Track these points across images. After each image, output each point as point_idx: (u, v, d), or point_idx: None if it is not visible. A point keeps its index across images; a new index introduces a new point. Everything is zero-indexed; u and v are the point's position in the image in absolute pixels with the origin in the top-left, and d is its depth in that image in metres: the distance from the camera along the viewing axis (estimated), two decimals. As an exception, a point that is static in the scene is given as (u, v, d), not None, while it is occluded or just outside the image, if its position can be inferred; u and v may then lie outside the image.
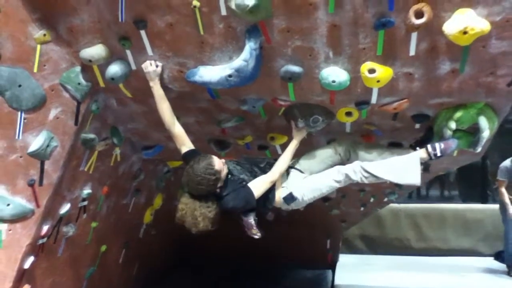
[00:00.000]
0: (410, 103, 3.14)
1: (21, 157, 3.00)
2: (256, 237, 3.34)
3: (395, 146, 3.73)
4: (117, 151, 3.95)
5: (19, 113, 2.93)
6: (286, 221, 7.04)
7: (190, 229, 2.96)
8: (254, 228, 3.32)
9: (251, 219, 3.32)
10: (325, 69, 2.92)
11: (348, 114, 3.31)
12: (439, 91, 3.02)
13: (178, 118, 3.58)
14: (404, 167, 3.18)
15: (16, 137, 2.95)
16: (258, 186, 3.15)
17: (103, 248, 4.39)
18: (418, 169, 3.17)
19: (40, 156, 3.06)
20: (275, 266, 7.37)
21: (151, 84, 3.08)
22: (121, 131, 3.88)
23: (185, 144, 3.19)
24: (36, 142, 3.03)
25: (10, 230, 3.03)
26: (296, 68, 2.93)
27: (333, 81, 2.91)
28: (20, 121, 2.94)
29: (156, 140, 4.17)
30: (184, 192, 3.06)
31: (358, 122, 3.44)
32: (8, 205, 2.97)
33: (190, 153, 3.14)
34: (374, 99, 3.08)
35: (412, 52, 2.78)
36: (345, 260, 7.95)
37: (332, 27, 2.73)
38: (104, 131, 3.67)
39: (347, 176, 3.26)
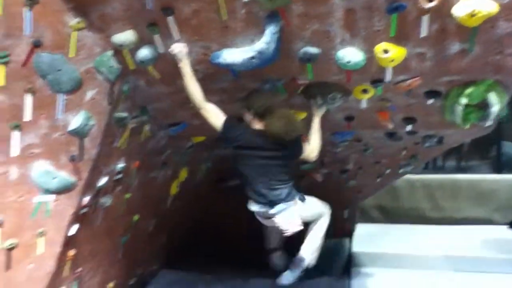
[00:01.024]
0: (423, 81, 3.33)
1: (63, 135, 3.29)
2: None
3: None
4: (146, 128, 4.22)
5: (59, 95, 3.20)
6: (304, 193, 7.29)
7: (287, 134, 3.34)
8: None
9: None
10: (341, 51, 3.11)
11: (364, 91, 3.51)
12: (449, 70, 3.20)
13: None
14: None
15: (58, 117, 3.23)
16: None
17: (135, 218, 4.72)
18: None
19: (79, 134, 3.35)
20: (293, 236, 7.66)
21: (180, 64, 3.28)
22: (149, 110, 4.13)
23: (220, 114, 3.41)
24: (75, 121, 3.31)
25: (56, 201, 3.35)
26: (314, 50, 3.13)
27: (348, 62, 3.11)
28: (61, 102, 3.22)
29: (180, 118, 4.42)
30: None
31: (374, 98, 3.64)
32: (54, 178, 3.28)
33: (228, 119, 3.38)
34: (388, 78, 3.27)
35: (423, 34, 2.95)
36: (361, 230, 8.22)
37: (348, 11, 2.91)
38: (134, 110, 3.93)
39: None
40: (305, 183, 7.15)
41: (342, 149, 5.41)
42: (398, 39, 3.02)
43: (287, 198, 3.53)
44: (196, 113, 3.52)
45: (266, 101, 3.45)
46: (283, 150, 3.44)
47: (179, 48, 3.23)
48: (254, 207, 3.60)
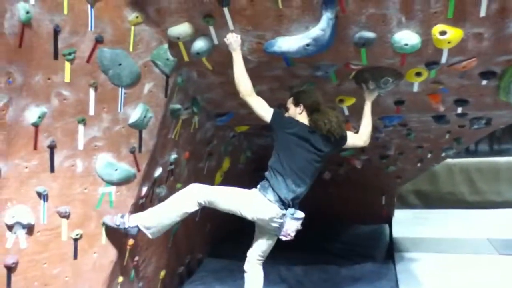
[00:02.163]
0: (479, 61, 3.30)
1: (123, 128, 3.39)
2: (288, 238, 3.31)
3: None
4: (196, 119, 4.31)
5: (120, 89, 3.30)
6: (343, 179, 7.34)
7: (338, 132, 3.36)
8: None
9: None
10: (397, 33, 3.11)
11: (418, 74, 3.50)
12: (507, 49, 3.16)
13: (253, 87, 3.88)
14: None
15: (119, 110, 3.33)
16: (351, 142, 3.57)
17: (185, 207, 4.83)
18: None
19: (139, 126, 3.44)
20: (332, 222, 7.71)
21: (234, 54, 3.31)
22: (199, 101, 4.21)
23: (266, 104, 3.40)
24: (134, 114, 3.41)
25: (118, 192, 3.46)
26: (369, 34, 3.13)
27: (406, 44, 3.11)
28: (121, 96, 3.31)
29: (229, 107, 4.49)
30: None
31: (426, 81, 3.63)
32: (116, 170, 3.38)
33: (277, 111, 3.39)
34: (444, 59, 3.26)
35: (482, 13, 2.92)
36: (400, 215, 8.21)
37: (405, -6, 2.91)
38: (186, 101, 4.01)
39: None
40: (344, 169, 7.21)
41: (384, 134, 5.41)
42: (456, 20, 3.00)
43: (298, 202, 3.41)
44: (243, 103, 3.55)
45: (317, 98, 3.48)
46: (327, 147, 3.41)
47: (234, 38, 3.28)
48: (270, 196, 3.30)
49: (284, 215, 3.27)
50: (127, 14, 3.21)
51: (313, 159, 3.39)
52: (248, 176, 7.41)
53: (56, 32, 2.90)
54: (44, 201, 3.06)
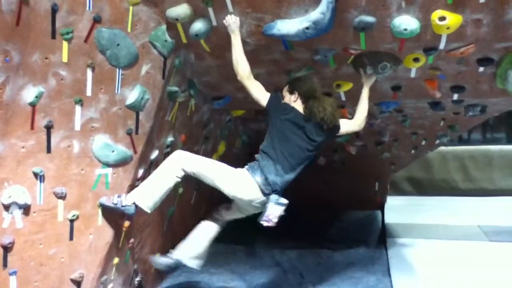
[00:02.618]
0: (477, 48, 3.31)
1: (120, 109, 3.37)
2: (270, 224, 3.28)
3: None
4: (193, 102, 4.29)
5: (117, 70, 3.27)
6: (337, 165, 7.38)
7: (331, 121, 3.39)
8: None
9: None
10: (397, 18, 3.11)
11: (416, 60, 3.51)
12: (506, 36, 3.17)
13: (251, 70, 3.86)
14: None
15: (116, 92, 3.31)
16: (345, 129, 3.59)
17: (180, 190, 4.84)
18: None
19: (136, 108, 3.43)
20: (326, 208, 7.78)
21: (232, 36, 3.29)
22: (196, 84, 4.19)
23: (263, 88, 3.40)
24: (132, 95, 3.39)
25: (114, 174, 3.45)
26: (369, 19, 3.13)
27: (405, 29, 3.10)
28: (119, 77, 3.29)
29: (226, 91, 4.47)
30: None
31: (424, 67, 3.63)
32: (113, 151, 3.37)
33: (274, 95, 3.39)
34: (442, 45, 3.27)
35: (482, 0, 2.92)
36: (393, 202, 8.29)
37: (405, -22, 2.90)
38: (183, 84, 3.99)
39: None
40: (339, 155, 7.24)
41: (380, 120, 5.43)
42: (456, 6, 3.00)
43: (283, 188, 3.38)
44: (240, 87, 3.54)
45: (312, 85, 3.48)
46: (320, 136, 3.42)
47: (233, 20, 3.25)
48: (259, 178, 3.27)
49: (266, 200, 3.26)
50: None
51: (305, 148, 3.40)
52: (243, 160, 7.43)
53: (54, 10, 2.86)
54: (40, 182, 3.05)
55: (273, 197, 3.25)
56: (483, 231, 6.84)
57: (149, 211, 3.42)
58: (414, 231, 6.93)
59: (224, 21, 3.28)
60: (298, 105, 3.43)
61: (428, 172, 8.86)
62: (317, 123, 3.37)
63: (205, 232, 3.83)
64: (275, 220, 3.26)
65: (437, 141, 6.37)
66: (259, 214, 3.34)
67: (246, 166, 3.42)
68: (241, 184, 3.32)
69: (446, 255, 5.88)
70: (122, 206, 3.34)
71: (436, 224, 7.16)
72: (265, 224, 3.26)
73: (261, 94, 3.38)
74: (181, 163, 3.36)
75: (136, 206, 3.38)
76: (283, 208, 3.27)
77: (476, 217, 7.32)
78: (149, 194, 3.38)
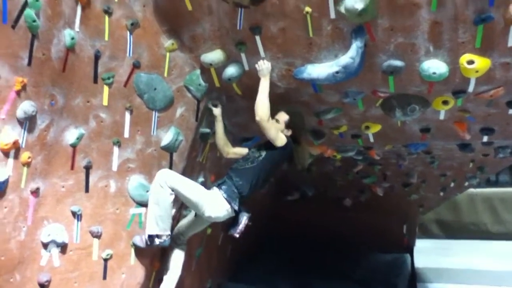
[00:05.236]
0: (506, 90, 3.34)
1: (155, 150, 3.49)
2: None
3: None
4: (223, 143, 4.38)
5: (154, 112, 3.41)
6: (364, 206, 7.32)
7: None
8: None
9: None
10: (425, 62, 3.18)
11: (445, 102, 3.55)
12: (535, 78, 3.20)
13: (279, 111, 3.98)
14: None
15: (152, 133, 3.43)
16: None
17: (209, 230, 4.86)
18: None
19: (170, 149, 3.54)
20: (352, 249, 7.68)
21: (263, 79, 3.40)
22: (226, 125, 4.30)
23: (279, 131, 3.54)
24: (167, 137, 3.51)
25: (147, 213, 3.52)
26: (398, 63, 3.21)
27: (434, 73, 3.17)
28: (155, 120, 3.42)
29: (254, 131, 4.55)
30: None
31: (453, 109, 3.67)
32: (147, 191, 3.45)
33: (291, 142, 3.60)
34: (471, 88, 3.31)
35: (510, 43, 2.98)
36: (421, 245, 8.10)
37: (434, 24, 2.99)
38: (213, 125, 4.10)
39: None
40: (365, 196, 7.19)
41: (408, 162, 5.42)
42: (484, 50, 3.06)
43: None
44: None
45: (304, 128, 3.76)
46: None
47: (265, 65, 3.38)
48: (235, 205, 3.48)
49: (239, 215, 3.53)
50: (164, 41, 3.36)
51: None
52: (271, 200, 7.45)
53: (97, 57, 3.04)
54: (78, 220, 3.13)
55: (245, 211, 3.56)
56: (516, 276, 6.61)
57: (170, 233, 3.45)
58: (444, 275, 6.75)
59: (256, 66, 3.40)
60: (282, 137, 3.56)
61: (457, 214, 8.68)
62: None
63: (178, 261, 3.87)
64: (244, 230, 3.59)
65: (466, 183, 6.29)
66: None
67: (215, 188, 3.51)
68: (217, 204, 3.43)
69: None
70: (157, 244, 3.39)
71: (468, 269, 6.96)
72: (237, 236, 3.60)
73: (277, 135, 3.52)
74: (164, 179, 3.36)
75: (170, 236, 3.45)
76: (249, 219, 3.61)
77: (509, 262, 7.08)
78: (159, 221, 3.39)
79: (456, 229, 8.67)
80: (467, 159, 5.37)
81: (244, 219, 3.56)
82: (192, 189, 3.41)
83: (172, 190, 3.35)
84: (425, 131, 4.11)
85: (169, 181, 3.34)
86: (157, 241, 3.37)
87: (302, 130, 3.75)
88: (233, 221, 3.58)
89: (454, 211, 8.67)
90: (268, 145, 3.59)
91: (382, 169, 6.09)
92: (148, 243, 3.38)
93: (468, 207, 8.64)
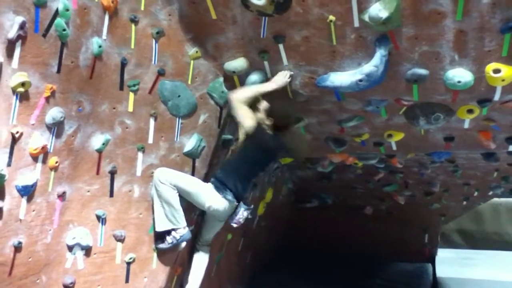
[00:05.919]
0: (533, 99, 3.29)
1: (178, 156, 3.53)
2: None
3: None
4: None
5: (177, 119, 3.46)
6: (385, 215, 7.26)
7: None
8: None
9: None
10: (450, 71, 3.16)
11: (469, 111, 3.51)
12: None
13: (301, 119, 3.99)
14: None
15: (175, 140, 3.48)
16: None
17: (229, 236, 4.89)
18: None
19: (193, 155, 3.58)
20: (373, 258, 7.60)
21: (273, 83, 3.42)
22: (248, 132, 4.32)
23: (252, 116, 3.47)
24: (189, 143, 3.55)
25: (170, 219, 3.56)
26: (422, 71, 3.19)
27: (459, 82, 3.14)
28: (178, 126, 3.47)
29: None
30: None
31: (477, 118, 3.62)
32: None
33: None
34: (497, 97, 3.27)
35: (538, 52, 2.94)
36: (443, 255, 7.98)
37: (459, 33, 2.97)
38: (235, 132, 4.13)
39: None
40: (386, 205, 7.13)
41: (430, 170, 5.37)
42: (510, 58, 3.02)
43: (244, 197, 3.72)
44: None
45: (289, 118, 3.63)
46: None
47: (285, 78, 3.42)
48: (228, 196, 3.50)
49: (237, 207, 3.58)
50: (188, 49, 3.41)
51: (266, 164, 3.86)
52: (289, 208, 7.45)
53: (123, 64, 3.10)
54: (102, 224, 3.19)
55: (243, 204, 3.61)
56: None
57: (186, 225, 3.46)
58: (466, 286, 6.64)
59: (281, 75, 3.42)
60: (267, 127, 3.49)
61: (480, 224, 8.53)
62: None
63: (200, 264, 3.99)
64: (243, 221, 3.71)
65: (490, 192, 6.18)
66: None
67: (212, 185, 3.54)
68: (212, 195, 3.48)
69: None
70: (179, 239, 3.43)
71: (490, 280, 6.82)
72: (235, 225, 3.73)
73: (244, 118, 3.43)
74: (164, 176, 3.39)
75: (188, 230, 3.50)
76: (250, 211, 3.69)
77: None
78: (170, 217, 3.42)
79: (479, 239, 8.51)
80: (491, 168, 5.28)
81: (241, 210, 3.61)
82: (190, 182, 3.49)
83: (174, 186, 3.40)
84: (449, 139, 4.07)
85: (169, 178, 3.39)
86: (176, 235, 3.41)
87: (286, 118, 3.59)
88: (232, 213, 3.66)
89: (477, 220, 8.51)
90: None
91: (403, 177, 6.03)
92: (170, 242, 3.40)
93: (492, 217, 8.48)
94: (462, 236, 8.66)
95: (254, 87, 3.46)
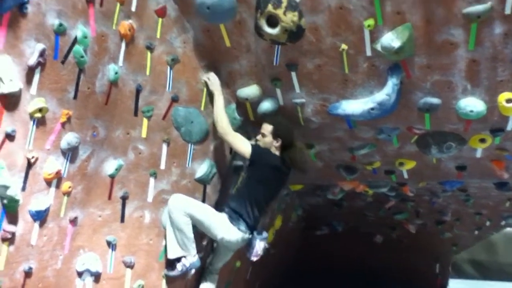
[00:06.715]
0: (546, 129, 3.27)
1: (189, 182, 3.54)
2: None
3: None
4: (255, 176, 4.40)
5: (190, 145, 3.47)
6: (395, 243, 7.16)
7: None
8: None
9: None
10: (463, 100, 3.16)
11: (482, 140, 3.50)
12: None
13: (313, 146, 3.99)
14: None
15: (187, 165, 3.49)
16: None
17: (238, 264, 4.83)
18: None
19: (204, 181, 3.58)
20: (383, 287, 7.47)
21: (216, 94, 3.41)
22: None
23: (244, 140, 3.47)
24: (201, 169, 3.56)
25: (180, 245, 3.54)
26: (434, 100, 3.20)
27: (471, 111, 3.15)
28: (190, 152, 3.49)
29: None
30: None
31: (490, 147, 3.61)
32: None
33: (256, 146, 3.47)
34: (510, 127, 3.26)
35: (551, 82, 2.95)
36: (455, 285, 7.83)
37: (471, 62, 2.99)
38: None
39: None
40: (397, 233, 7.05)
41: (442, 199, 5.32)
42: (523, 88, 3.03)
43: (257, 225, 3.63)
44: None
45: (293, 134, 3.58)
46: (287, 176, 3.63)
47: (214, 79, 3.43)
48: (242, 226, 3.45)
49: (250, 238, 3.52)
50: (201, 76, 3.45)
51: (276, 187, 3.67)
52: (299, 235, 7.38)
53: (138, 91, 3.14)
54: (112, 250, 3.17)
55: (257, 234, 3.56)
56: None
57: (196, 253, 3.43)
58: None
59: (207, 79, 3.43)
60: (276, 150, 3.49)
61: (492, 254, 8.37)
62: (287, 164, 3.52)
63: None
64: (261, 253, 3.63)
65: (503, 222, 6.10)
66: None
67: (226, 215, 3.48)
68: (225, 226, 3.42)
69: None
70: (188, 266, 3.40)
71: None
72: (254, 259, 3.65)
73: (243, 146, 3.44)
74: (180, 205, 3.36)
75: (199, 258, 3.46)
76: (266, 241, 3.64)
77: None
78: (182, 244, 3.39)
79: (491, 270, 8.34)
80: (504, 197, 5.22)
81: (257, 242, 3.56)
82: (204, 213, 3.45)
83: (188, 215, 3.37)
84: (461, 169, 4.05)
85: (183, 207, 3.37)
86: (186, 262, 3.38)
87: (290, 134, 3.55)
88: (248, 245, 3.60)
89: (489, 251, 8.36)
90: (249, 163, 3.56)
91: (414, 206, 5.98)
92: (180, 269, 3.37)
93: (505, 247, 8.32)
94: (474, 266, 8.49)
95: (217, 110, 3.43)
